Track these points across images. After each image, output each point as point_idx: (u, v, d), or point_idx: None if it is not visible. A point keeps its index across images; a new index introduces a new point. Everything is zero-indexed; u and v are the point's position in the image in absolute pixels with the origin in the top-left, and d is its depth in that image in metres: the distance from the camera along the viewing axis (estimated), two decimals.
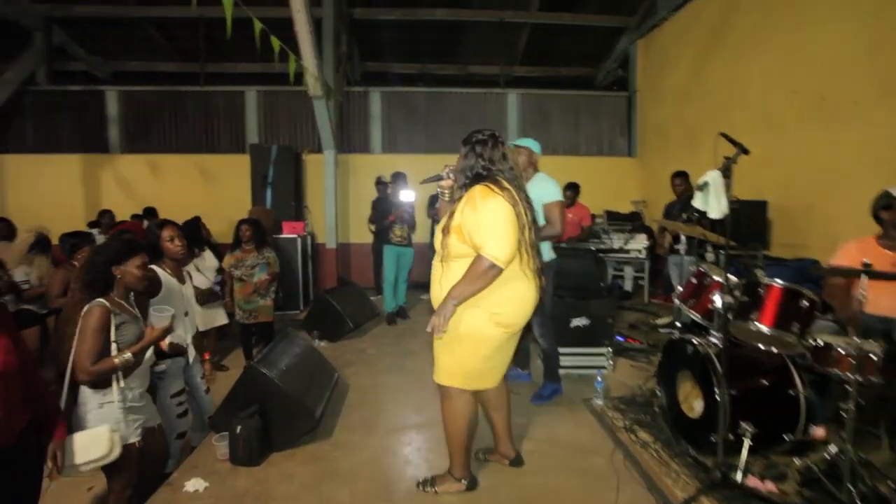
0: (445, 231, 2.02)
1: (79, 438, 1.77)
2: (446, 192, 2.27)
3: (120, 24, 7.89)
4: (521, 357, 3.58)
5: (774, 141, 4.74)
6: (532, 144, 3.22)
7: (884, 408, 2.29)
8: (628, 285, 6.60)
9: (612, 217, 7.02)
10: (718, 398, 2.19)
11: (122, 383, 1.86)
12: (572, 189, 5.57)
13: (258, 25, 3.56)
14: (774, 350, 2.33)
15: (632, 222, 6.78)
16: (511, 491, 2.29)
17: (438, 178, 2.25)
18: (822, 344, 2.13)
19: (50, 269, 3.78)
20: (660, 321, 5.15)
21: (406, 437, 2.85)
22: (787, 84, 4.61)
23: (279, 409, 2.58)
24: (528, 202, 2.07)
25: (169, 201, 7.16)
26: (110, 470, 1.90)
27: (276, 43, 3.96)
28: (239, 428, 2.44)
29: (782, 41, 4.67)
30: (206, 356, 3.06)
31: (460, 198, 2.02)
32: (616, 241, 6.22)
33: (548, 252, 3.17)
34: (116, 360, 1.81)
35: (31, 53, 7.53)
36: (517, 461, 2.47)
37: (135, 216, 6.54)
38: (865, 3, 3.80)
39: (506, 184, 1.99)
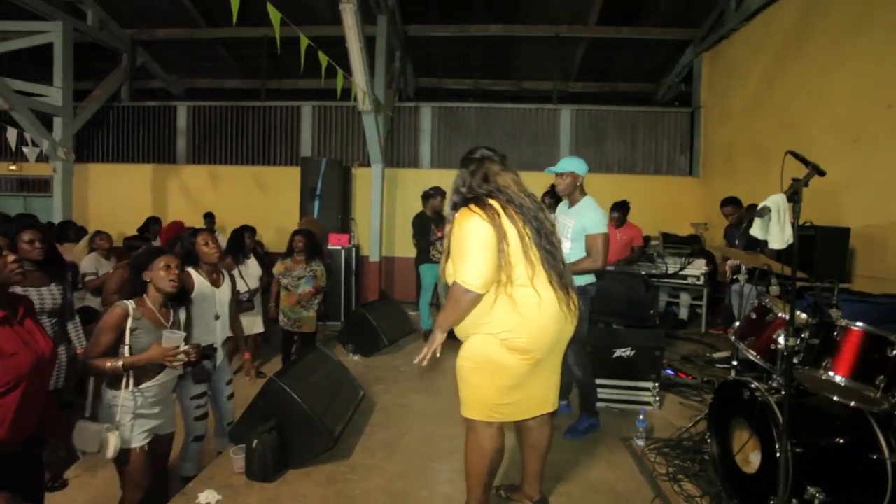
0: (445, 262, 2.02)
1: (86, 428, 1.84)
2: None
3: (194, 44, 8.52)
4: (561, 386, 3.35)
5: (862, 160, 4.23)
6: (577, 166, 2.93)
7: None
8: (684, 313, 6.10)
9: (669, 239, 6.57)
10: (779, 455, 1.88)
11: (129, 388, 1.88)
12: (620, 209, 5.22)
13: (304, 41, 3.65)
14: (852, 404, 1.98)
15: (690, 245, 6.31)
16: None
17: None
18: None
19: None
20: (717, 355, 4.68)
21: (427, 465, 2.70)
22: (880, 96, 4.10)
23: (297, 426, 2.52)
24: (532, 216, 1.92)
25: (225, 209, 7.52)
26: (120, 470, 1.95)
27: (323, 59, 4.05)
28: (255, 442, 2.40)
29: (874, 48, 4.17)
30: (247, 355, 3.07)
31: (451, 223, 1.98)
32: (672, 265, 5.79)
33: (584, 276, 2.93)
34: (108, 364, 1.84)
35: (117, 73, 8.27)
36: None
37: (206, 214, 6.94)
38: None
39: (492, 201, 1.88)
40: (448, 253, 1.98)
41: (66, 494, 2.37)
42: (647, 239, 6.05)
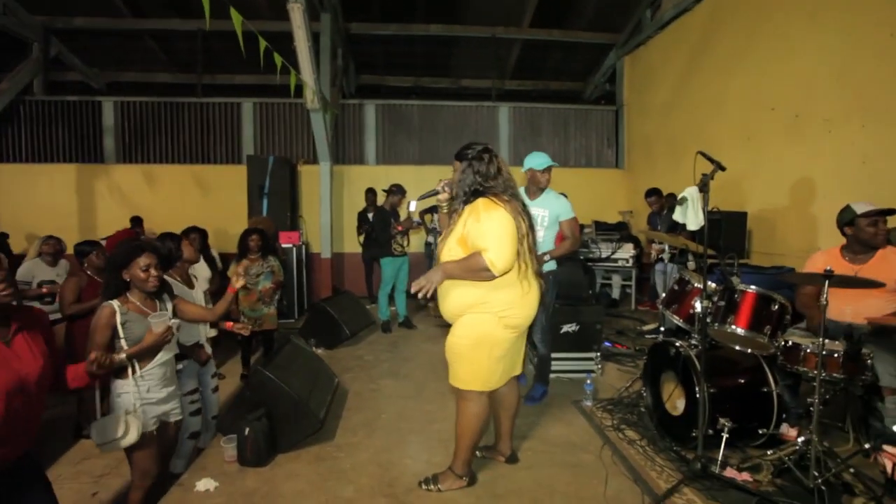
0: (449, 243, 2.17)
1: (105, 421, 1.94)
2: (444, 205, 2.44)
3: (118, 35, 8.02)
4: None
5: (754, 155, 5.00)
6: (540, 162, 3.26)
7: (847, 403, 2.47)
8: (616, 293, 6.80)
9: (601, 227, 7.23)
10: (699, 396, 2.36)
11: (137, 375, 2.00)
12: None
13: (263, 43, 3.72)
14: (750, 351, 2.52)
15: (619, 232, 7.01)
16: (507, 484, 2.44)
17: (435, 192, 2.40)
18: (790, 344, 2.32)
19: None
20: (646, 327, 5.34)
21: (406, 438, 2.98)
22: (765, 101, 4.87)
23: (285, 412, 2.69)
24: (525, 211, 2.20)
25: (164, 211, 7.26)
26: (130, 454, 2.03)
27: (278, 59, 4.12)
28: (247, 430, 2.56)
29: (760, 61, 4.94)
30: (229, 325, 2.96)
31: (461, 211, 2.18)
32: (604, 250, 6.43)
33: (550, 263, 3.32)
34: (113, 359, 1.90)
35: (28, 64, 7.60)
36: (512, 458, 2.61)
37: (133, 218, 6.63)
38: (834, 30, 4.07)
39: (505, 197, 2.13)
40: (450, 235, 2.17)
41: (72, 501, 2.39)
42: (581, 227, 6.65)
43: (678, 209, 2.35)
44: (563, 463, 2.64)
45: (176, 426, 2.19)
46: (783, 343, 2.34)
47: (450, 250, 2.16)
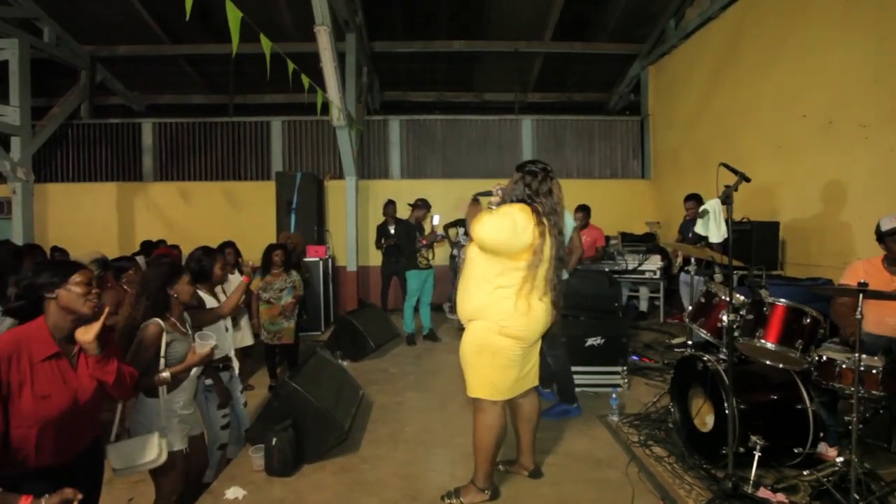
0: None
1: (131, 443, 1.96)
2: (493, 207, 2.47)
3: (157, 60, 8.46)
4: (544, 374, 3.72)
5: (785, 163, 4.86)
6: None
7: (893, 422, 2.36)
8: (644, 306, 6.66)
9: (627, 238, 7.13)
10: (728, 412, 2.30)
11: (166, 395, 2.04)
12: (583, 211, 5.69)
13: (291, 66, 3.88)
14: (781, 366, 2.44)
15: (646, 243, 6.89)
16: (530, 500, 2.41)
17: (489, 193, 2.47)
18: (825, 359, 2.23)
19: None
20: (675, 341, 5.21)
21: (430, 451, 2.99)
22: (797, 108, 4.75)
23: (311, 423, 2.75)
24: (559, 239, 2.25)
25: (197, 226, 7.54)
26: (159, 474, 2.08)
27: (306, 80, 4.28)
28: (274, 440, 2.62)
29: (790, 67, 4.83)
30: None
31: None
32: (631, 262, 6.32)
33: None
34: (157, 378, 1.99)
35: (76, 90, 8.08)
36: (536, 473, 2.59)
37: (160, 241, 6.79)
38: (871, 31, 3.95)
39: (543, 218, 2.18)
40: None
41: (111, 493, 2.47)
42: (607, 238, 6.58)
43: (700, 222, 2.32)
44: (588, 479, 2.60)
45: (202, 438, 2.26)
46: (817, 358, 2.26)
47: (470, 257, 2.27)
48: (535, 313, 2.22)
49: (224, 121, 8.19)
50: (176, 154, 8.20)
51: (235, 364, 2.83)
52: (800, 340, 2.28)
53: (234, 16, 2.87)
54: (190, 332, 2.26)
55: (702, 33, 6.52)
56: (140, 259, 5.31)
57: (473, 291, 2.23)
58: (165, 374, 1.98)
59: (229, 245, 4.93)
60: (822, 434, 2.37)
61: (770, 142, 5.10)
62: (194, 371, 2.17)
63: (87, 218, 7.85)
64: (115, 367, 1.68)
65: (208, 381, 2.59)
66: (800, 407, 2.37)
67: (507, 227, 2.12)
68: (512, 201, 2.26)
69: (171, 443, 2.04)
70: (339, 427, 2.79)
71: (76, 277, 1.60)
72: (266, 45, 3.36)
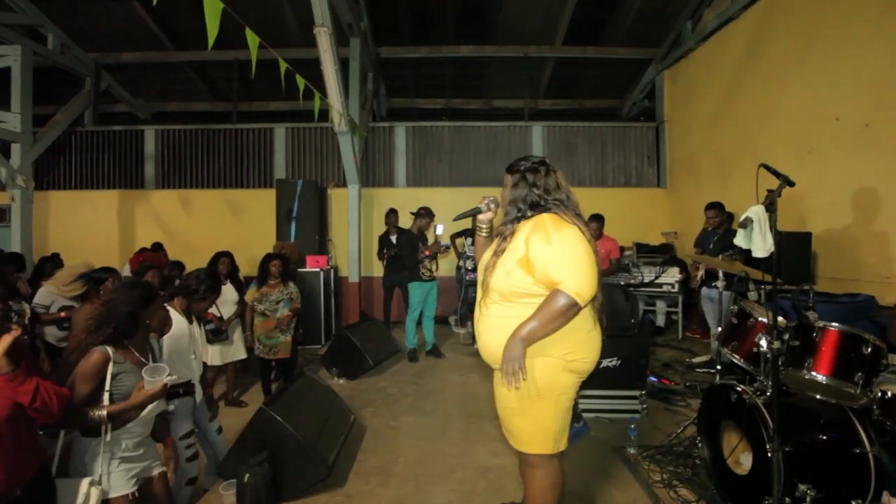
0: (506, 264, 1.76)
1: (60, 486, 1.69)
2: (484, 225, 2.07)
3: (162, 67, 8.38)
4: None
5: (816, 169, 4.50)
6: None
7: None
8: (661, 320, 6.28)
9: (642, 249, 6.77)
10: (770, 454, 1.95)
11: (107, 436, 1.75)
12: (597, 221, 5.34)
13: (283, 65, 3.65)
14: (832, 401, 2.08)
15: (663, 254, 6.52)
16: None
17: (477, 211, 2.04)
18: (889, 395, 1.88)
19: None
20: (696, 360, 4.83)
21: (423, 489, 2.66)
22: (828, 110, 4.40)
23: (290, 456, 2.45)
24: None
25: (198, 234, 7.36)
26: None
27: (300, 81, 4.05)
28: (247, 476, 2.32)
29: (820, 66, 4.48)
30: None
31: (511, 232, 1.81)
32: (646, 274, 5.96)
33: None
34: (92, 414, 1.71)
35: (80, 97, 8.01)
36: None
37: (155, 245, 6.59)
38: None
39: (571, 214, 1.78)
40: (503, 255, 1.79)
41: None
42: (621, 250, 6.22)
43: (741, 233, 1.97)
44: None
45: (161, 478, 1.97)
46: (879, 394, 1.91)
47: (509, 273, 1.74)
48: (597, 332, 1.83)
49: (227, 128, 8.04)
50: (178, 162, 8.04)
51: (198, 391, 2.50)
52: (859, 373, 1.92)
53: (212, 8, 2.63)
54: (152, 361, 1.98)
55: (721, 35, 6.20)
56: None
57: (516, 322, 1.71)
58: (100, 413, 1.69)
59: (224, 255, 4.73)
60: (884, 483, 2.00)
61: (798, 146, 4.74)
62: (149, 409, 1.85)
63: (89, 225, 7.72)
64: (31, 387, 1.45)
65: (171, 408, 2.28)
66: (858, 451, 2.00)
67: (590, 256, 1.69)
68: (519, 209, 1.81)
69: (110, 488, 1.75)
70: (322, 461, 2.48)
71: None
72: (252, 41, 3.13)
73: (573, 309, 1.64)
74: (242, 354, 4.18)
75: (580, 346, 1.75)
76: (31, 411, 1.50)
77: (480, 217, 2.05)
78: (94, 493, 1.68)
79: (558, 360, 1.73)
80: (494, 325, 1.78)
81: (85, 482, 1.68)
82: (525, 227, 1.77)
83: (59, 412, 1.55)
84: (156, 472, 1.95)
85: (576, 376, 1.79)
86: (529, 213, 1.80)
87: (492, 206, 2.02)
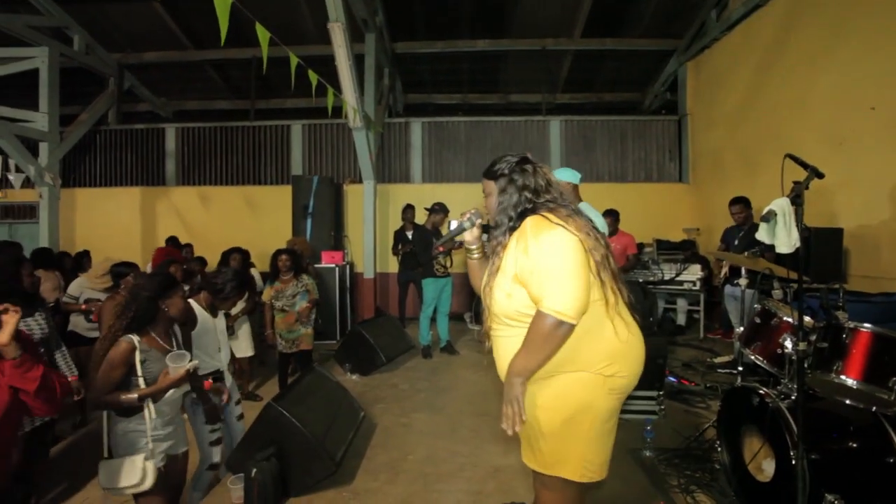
0: (503, 286, 1.56)
1: (116, 464, 1.82)
2: (473, 247, 1.78)
3: (182, 66, 8.52)
4: None
5: (848, 162, 4.28)
6: (571, 176, 2.95)
7: None
8: (681, 319, 6.10)
9: (663, 246, 6.59)
10: (794, 461, 1.84)
11: (154, 414, 1.87)
12: (612, 216, 5.17)
13: (294, 60, 3.64)
14: (862, 406, 1.96)
15: (684, 251, 6.33)
16: None
17: (461, 229, 1.76)
18: None
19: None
20: (718, 360, 4.67)
21: (431, 487, 2.62)
22: (861, 100, 4.18)
23: (297, 452, 2.44)
24: (597, 229, 1.61)
25: (216, 230, 7.46)
26: (140, 495, 1.90)
27: (313, 77, 4.04)
28: (254, 471, 2.32)
29: (854, 54, 4.26)
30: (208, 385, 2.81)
31: (505, 243, 1.58)
32: (667, 271, 5.79)
33: None
34: (122, 397, 1.81)
35: (105, 97, 8.21)
36: None
37: (170, 239, 6.63)
38: None
39: (563, 213, 1.54)
40: (495, 271, 1.60)
41: None
42: (640, 246, 6.06)
43: (763, 227, 1.85)
44: None
45: (184, 458, 2.06)
46: None
47: (510, 296, 1.53)
48: (636, 338, 1.57)
49: (245, 125, 8.12)
50: (198, 158, 8.18)
51: (228, 378, 2.54)
52: (893, 378, 1.80)
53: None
54: (176, 348, 2.06)
55: (747, 23, 5.96)
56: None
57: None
58: (130, 395, 1.80)
59: (236, 251, 4.77)
60: None
61: (829, 138, 4.52)
62: (170, 392, 1.94)
63: (113, 222, 7.90)
64: (38, 373, 1.46)
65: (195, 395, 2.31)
66: (891, 460, 1.88)
67: (575, 262, 1.44)
68: (511, 217, 1.58)
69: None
70: (329, 457, 2.46)
71: None
72: (262, 36, 3.12)
73: (561, 328, 1.40)
74: (249, 352, 4.18)
75: (617, 356, 1.50)
76: (35, 399, 1.50)
77: (466, 237, 1.78)
78: (150, 467, 1.81)
79: (596, 375, 1.49)
80: (510, 350, 1.53)
81: (139, 458, 1.80)
82: (512, 241, 1.56)
83: (60, 404, 1.57)
84: (178, 451, 2.04)
85: (616, 398, 1.54)
86: (518, 223, 1.57)
87: (475, 219, 1.74)
